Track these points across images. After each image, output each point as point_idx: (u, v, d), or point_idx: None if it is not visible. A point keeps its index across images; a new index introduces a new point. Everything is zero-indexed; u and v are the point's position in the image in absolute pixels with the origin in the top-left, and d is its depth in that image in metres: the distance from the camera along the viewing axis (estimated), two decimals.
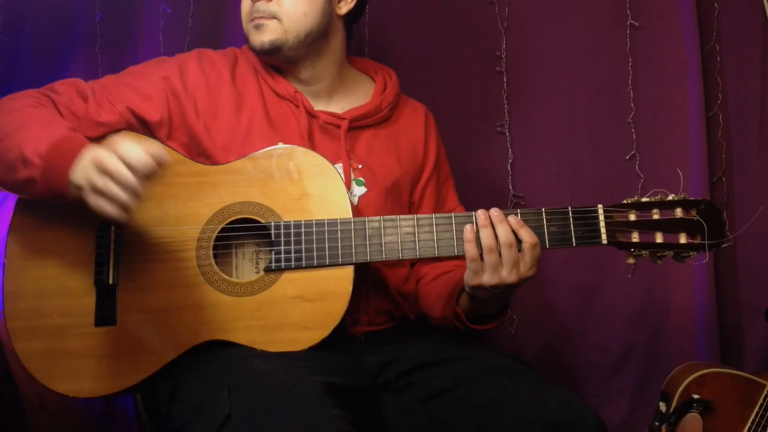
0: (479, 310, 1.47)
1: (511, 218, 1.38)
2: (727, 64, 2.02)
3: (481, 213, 1.38)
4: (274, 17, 1.53)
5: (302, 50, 1.56)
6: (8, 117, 1.38)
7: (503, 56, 2.03)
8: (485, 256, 1.36)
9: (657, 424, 1.80)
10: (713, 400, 1.75)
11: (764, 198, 1.98)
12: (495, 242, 1.36)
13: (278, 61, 1.58)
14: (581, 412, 1.31)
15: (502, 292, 1.39)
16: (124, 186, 1.21)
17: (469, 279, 1.38)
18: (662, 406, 1.81)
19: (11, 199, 1.45)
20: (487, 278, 1.36)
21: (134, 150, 1.21)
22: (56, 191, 1.31)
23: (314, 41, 1.57)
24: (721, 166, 2.01)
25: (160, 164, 1.23)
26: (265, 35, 1.53)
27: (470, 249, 1.37)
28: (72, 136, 1.32)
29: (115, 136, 1.41)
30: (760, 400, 1.74)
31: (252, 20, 1.54)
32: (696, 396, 1.75)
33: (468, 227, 1.38)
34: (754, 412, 1.75)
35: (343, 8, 1.62)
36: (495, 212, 1.39)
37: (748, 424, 1.75)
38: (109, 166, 1.20)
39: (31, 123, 1.35)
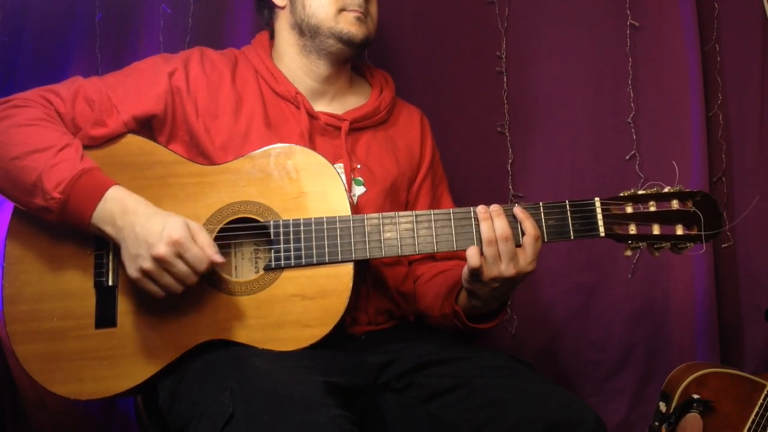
0: (478, 309, 1.47)
1: (516, 209, 1.39)
2: (727, 64, 2.02)
3: (480, 207, 1.39)
4: (366, 16, 1.58)
5: None
6: (20, 132, 1.38)
7: (503, 56, 2.03)
8: (485, 249, 1.36)
9: (657, 424, 1.80)
10: (713, 400, 1.75)
11: (764, 198, 1.98)
12: (494, 235, 1.37)
13: (350, 55, 1.61)
14: (581, 413, 1.31)
15: (501, 287, 1.39)
16: (180, 281, 1.32)
17: (466, 280, 1.39)
18: (662, 406, 1.81)
19: (9, 202, 1.45)
20: (486, 271, 1.36)
21: (196, 252, 1.30)
22: (71, 225, 1.36)
23: None
24: (721, 166, 2.01)
25: (213, 264, 1.33)
26: (363, 30, 1.58)
27: (473, 256, 1.36)
28: (92, 172, 1.36)
29: (176, 224, 1.33)
30: (760, 400, 1.74)
31: (349, 10, 1.56)
32: (696, 396, 1.75)
33: (472, 248, 1.37)
34: (754, 412, 1.75)
35: None
36: (495, 207, 1.39)
37: (748, 424, 1.75)
38: (173, 267, 1.30)
39: (47, 144, 1.36)
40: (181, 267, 1.30)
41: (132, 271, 1.32)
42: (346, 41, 1.56)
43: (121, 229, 1.33)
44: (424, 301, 1.61)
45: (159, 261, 1.29)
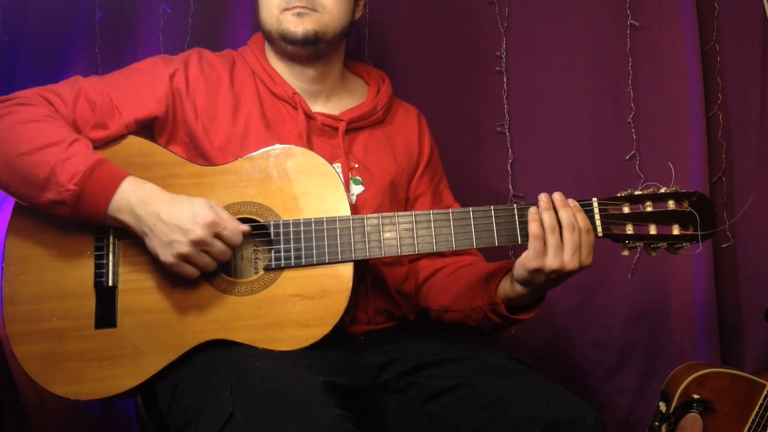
0: (518, 300, 1.45)
1: (570, 201, 1.40)
2: (727, 64, 2.02)
3: (543, 196, 1.40)
4: (315, 10, 1.54)
5: (330, 47, 1.60)
6: (28, 128, 1.38)
7: (503, 56, 2.03)
8: (548, 237, 1.36)
9: (657, 424, 1.80)
10: (713, 400, 1.75)
11: (764, 198, 1.98)
12: (557, 224, 1.37)
13: (306, 53, 1.58)
14: (581, 412, 1.31)
15: (557, 279, 1.39)
16: (218, 259, 1.37)
17: (530, 262, 1.37)
18: (662, 406, 1.81)
19: (9, 201, 1.44)
20: (550, 261, 1.36)
21: (232, 229, 1.36)
22: (85, 216, 1.36)
23: (339, 40, 1.61)
24: (721, 166, 2.01)
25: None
26: (309, 24, 1.54)
27: (534, 228, 1.37)
28: (105, 163, 1.37)
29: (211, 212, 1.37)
30: (760, 400, 1.74)
31: (290, 9, 1.54)
32: (696, 396, 1.75)
33: (533, 209, 1.39)
34: (754, 412, 1.75)
35: (357, 14, 1.68)
36: (558, 196, 1.40)
37: (748, 424, 1.75)
38: (212, 247, 1.35)
39: (57, 139, 1.36)
40: (219, 246, 1.36)
41: (168, 257, 1.35)
42: (289, 40, 1.55)
43: (143, 218, 1.35)
44: (447, 294, 1.59)
45: (197, 244, 1.33)
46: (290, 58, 1.60)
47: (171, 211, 1.35)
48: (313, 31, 1.54)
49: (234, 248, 1.38)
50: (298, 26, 1.53)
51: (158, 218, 1.34)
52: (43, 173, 1.34)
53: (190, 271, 1.36)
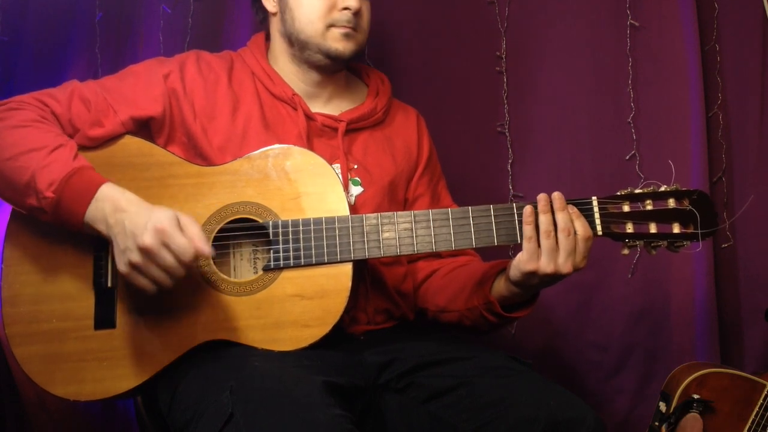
0: (513, 299, 1.46)
1: (570, 208, 1.40)
2: (727, 64, 2.02)
3: (542, 198, 1.39)
4: (356, 30, 1.57)
5: None
6: (14, 133, 1.38)
7: (503, 56, 2.03)
8: (542, 241, 1.36)
9: (657, 424, 1.80)
10: (713, 400, 1.75)
11: (764, 198, 1.98)
12: (553, 228, 1.37)
13: (334, 68, 1.61)
14: (581, 412, 1.32)
15: (551, 281, 1.39)
16: (168, 273, 1.29)
17: (524, 264, 1.37)
18: (662, 406, 1.81)
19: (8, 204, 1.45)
20: (544, 264, 1.36)
21: (181, 242, 1.27)
22: (65, 224, 1.36)
23: None
24: (721, 166, 2.01)
25: (200, 255, 1.30)
26: (351, 45, 1.57)
27: (528, 230, 1.37)
28: (84, 171, 1.35)
29: (158, 213, 1.31)
30: (760, 400, 1.74)
31: (338, 27, 1.55)
32: (696, 396, 1.75)
33: (528, 208, 1.38)
34: (754, 412, 1.75)
35: None
36: (557, 197, 1.39)
37: (748, 424, 1.75)
38: (159, 257, 1.27)
39: (40, 144, 1.36)
40: (166, 257, 1.28)
41: (121, 265, 1.31)
42: (333, 58, 1.56)
43: (112, 226, 1.32)
44: (444, 294, 1.59)
45: (145, 252, 1.28)
46: (310, 65, 1.60)
47: (134, 219, 1.30)
48: (351, 52, 1.57)
49: (185, 266, 1.29)
50: (346, 47, 1.56)
51: (123, 226, 1.30)
52: (24, 179, 1.34)
53: (143, 282, 1.30)
